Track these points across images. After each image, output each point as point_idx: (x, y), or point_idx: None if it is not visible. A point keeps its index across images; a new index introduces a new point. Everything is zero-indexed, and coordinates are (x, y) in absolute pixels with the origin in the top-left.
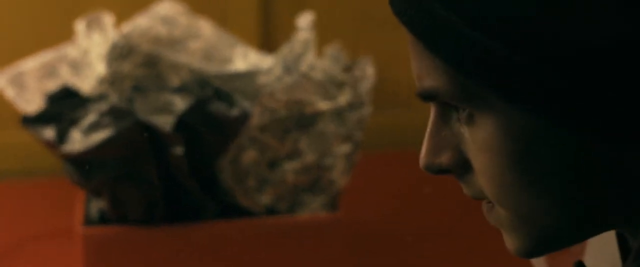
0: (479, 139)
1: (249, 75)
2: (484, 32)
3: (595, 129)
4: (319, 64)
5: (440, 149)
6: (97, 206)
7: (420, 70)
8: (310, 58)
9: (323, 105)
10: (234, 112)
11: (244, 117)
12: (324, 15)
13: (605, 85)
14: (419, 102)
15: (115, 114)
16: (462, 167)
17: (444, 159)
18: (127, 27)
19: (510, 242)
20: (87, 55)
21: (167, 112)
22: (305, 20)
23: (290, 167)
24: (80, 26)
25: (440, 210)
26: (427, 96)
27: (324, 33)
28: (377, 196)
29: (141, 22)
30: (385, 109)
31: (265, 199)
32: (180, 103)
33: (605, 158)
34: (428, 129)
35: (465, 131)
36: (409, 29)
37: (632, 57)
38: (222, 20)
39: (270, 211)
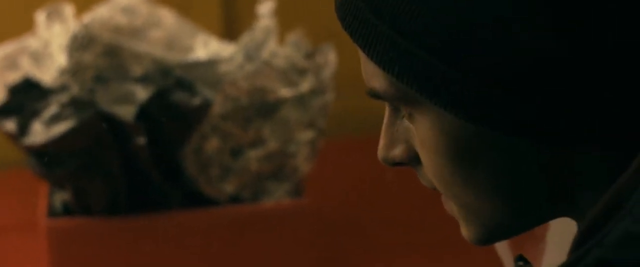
0: (420, 136)
1: (211, 64)
2: (411, 40)
3: (528, 133)
4: (281, 51)
5: (394, 143)
6: (61, 197)
7: (366, 71)
8: (271, 45)
9: (285, 92)
10: (196, 101)
11: (206, 105)
12: (285, 2)
13: (536, 93)
14: None
15: (76, 105)
16: (415, 160)
17: (398, 152)
18: (88, 17)
19: (464, 230)
20: (48, 46)
21: (128, 102)
22: (266, 8)
23: (253, 155)
24: (40, 17)
25: (405, 196)
26: (373, 95)
27: (285, 20)
28: (341, 182)
29: (102, 12)
30: (348, 95)
31: (229, 187)
32: (141, 93)
33: (541, 158)
34: (383, 123)
35: (412, 127)
36: (348, 34)
37: (558, 70)
38: (185, 8)
39: (234, 199)
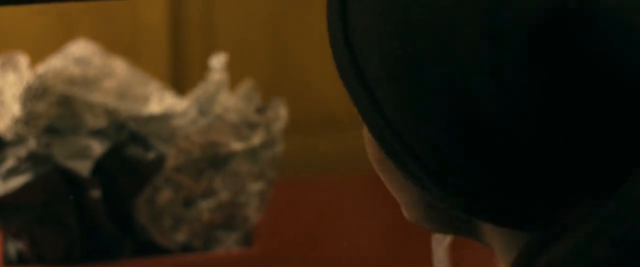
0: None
1: (165, 118)
2: (358, 60)
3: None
4: (233, 105)
5: None
6: (15, 246)
7: None
8: (223, 99)
9: (237, 145)
10: (150, 155)
11: (160, 160)
12: (234, 53)
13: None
14: (332, 130)
15: (33, 159)
16: None
17: None
18: (42, 68)
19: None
20: (1, 94)
21: (84, 156)
22: (218, 62)
23: (205, 206)
24: None
25: (352, 240)
26: None
27: (234, 70)
28: (288, 228)
29: (55, 63)
30: (297, 137)
31: (180, 236)
32: (97, 147)
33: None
34: None
35: None
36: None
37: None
38: (135, 56)
39: (186, 248)
